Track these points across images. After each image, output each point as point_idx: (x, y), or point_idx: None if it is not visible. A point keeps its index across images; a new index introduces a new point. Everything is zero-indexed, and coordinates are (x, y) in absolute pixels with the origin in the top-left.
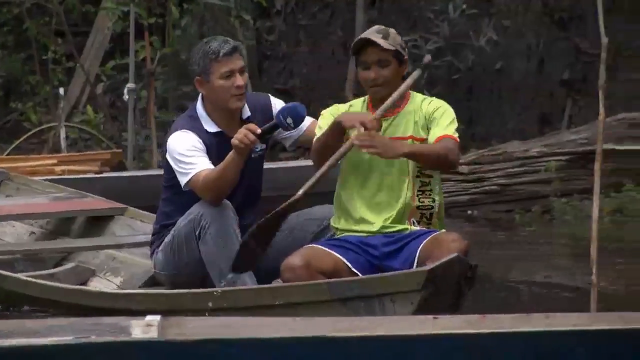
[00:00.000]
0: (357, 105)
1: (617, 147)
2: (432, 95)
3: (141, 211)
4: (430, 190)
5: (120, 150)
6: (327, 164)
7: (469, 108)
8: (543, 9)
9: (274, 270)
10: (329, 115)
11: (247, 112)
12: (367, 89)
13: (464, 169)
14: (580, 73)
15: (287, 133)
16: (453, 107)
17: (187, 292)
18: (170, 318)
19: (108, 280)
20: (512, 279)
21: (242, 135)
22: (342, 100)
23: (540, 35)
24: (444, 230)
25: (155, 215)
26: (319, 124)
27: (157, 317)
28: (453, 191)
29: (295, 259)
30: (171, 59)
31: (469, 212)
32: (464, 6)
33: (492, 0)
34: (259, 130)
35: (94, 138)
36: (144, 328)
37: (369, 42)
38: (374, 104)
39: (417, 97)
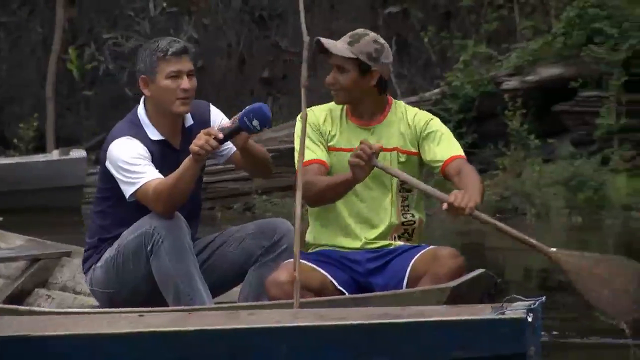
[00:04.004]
0: (336, 110)
1: None
2: None
3: None
4: (408, 205)
5: None
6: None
7: None
8: (243, 7)
9: (223, 284)
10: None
11: (189, 121)
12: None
13: None
14: (281, 71)
15: (224, 147)
16: None
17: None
18: None
19: None
20: None
21: (202, 141)
22: (42, 99)
23: (240, 33)
24: (432, 245)
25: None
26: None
27: None
28: None
29: (282, 275)
30: None
31: None
32: (165, 4)
33: None
34: (221, 135)
35: None
36: None
37: (322, 48)
38: (352, 112)
39: (399, 105)
